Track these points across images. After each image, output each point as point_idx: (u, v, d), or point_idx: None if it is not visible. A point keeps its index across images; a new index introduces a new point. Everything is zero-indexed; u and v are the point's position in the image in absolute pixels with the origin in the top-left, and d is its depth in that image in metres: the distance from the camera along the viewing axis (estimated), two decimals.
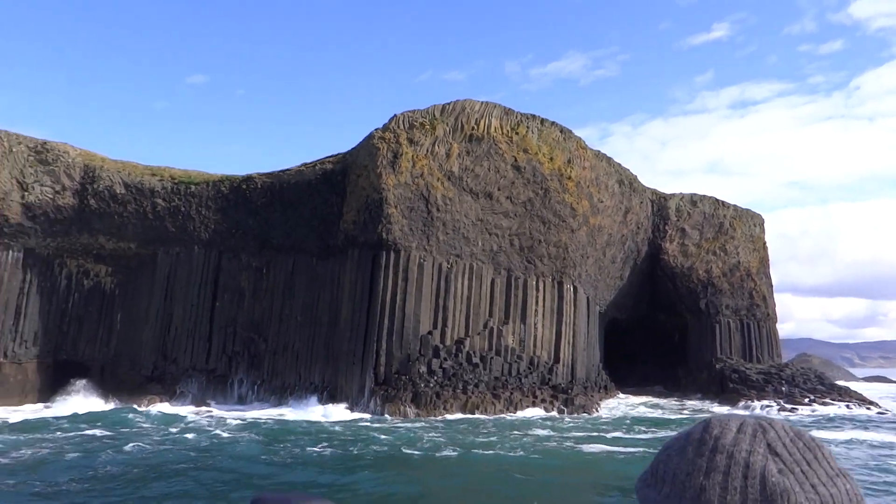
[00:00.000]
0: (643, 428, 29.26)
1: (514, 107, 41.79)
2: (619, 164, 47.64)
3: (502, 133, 40.31)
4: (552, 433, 26.47)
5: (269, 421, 30.33)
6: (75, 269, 46.92)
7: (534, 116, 41.95)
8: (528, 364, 38.89)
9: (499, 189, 39.66)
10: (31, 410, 38.08)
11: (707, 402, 45.26)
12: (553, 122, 42.61)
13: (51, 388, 45.15)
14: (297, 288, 41.69)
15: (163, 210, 44.19)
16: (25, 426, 27.47)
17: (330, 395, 36.97)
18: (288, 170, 43.52)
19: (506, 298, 39.27)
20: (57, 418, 31.06)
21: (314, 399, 37.38)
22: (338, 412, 33.87)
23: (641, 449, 22.65)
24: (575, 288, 42.09)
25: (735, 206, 55.32)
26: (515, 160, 40.18)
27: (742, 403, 43.48)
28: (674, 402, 45.08)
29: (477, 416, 32.81)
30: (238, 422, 29.54)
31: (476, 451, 20.82)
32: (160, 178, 44.93)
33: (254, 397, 40.85)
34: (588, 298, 45.18)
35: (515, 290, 39.50)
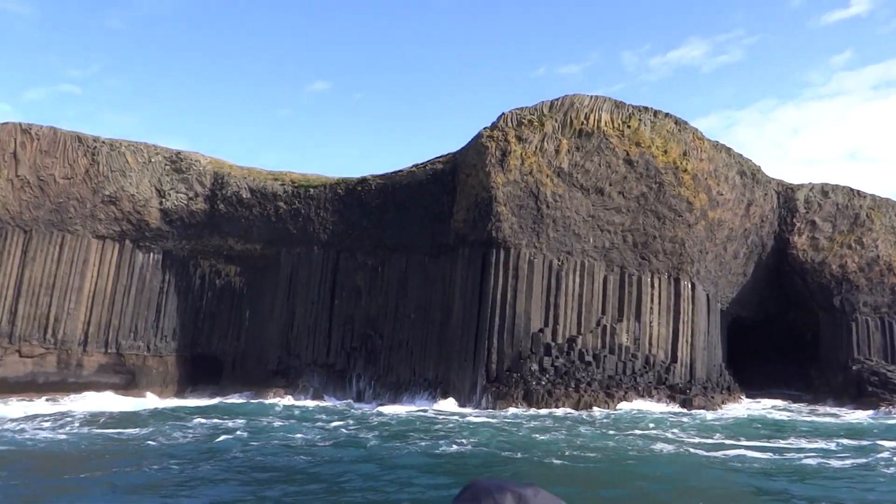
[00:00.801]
0: (766, 433, 27.83)
1: (632, 99, 40.92)
2: (741, 155, 45.36)
3: (613, 127, 39.43)
4: (667, 435, 25.71)
5: (383, 416, 31.25)
6: (208, 269, 50.27)
7: (646, 108, 40.74)
8: (644, 363, 37.90)
9: (610, 184, 38.86)
10: (173, 401, 41.10)
11: (842, 406, 42.31)
12: (667, 114, 41.21)
13: (188, 379, 48.68)
14: (411, 286, 42.68)
15: (284, 213, 46.50)
16: (167, 415, 29.80)
17: (443, 392, 37.62)
18: (400, 171, 44.61)
19: (619, 296, 38.45)
20: (195, 409, 33.47)
21: (428, 395, 38.21)
22: (450, 408, 34.41)
23: (765, 455, 21.59)
24: (693, 284, 40.56)
25: (873, 195, 51.26)
26: (627, 154, 39.20)
27: (883, 409, 40.34)
28: (803, 406, 42.49)
29: (587, 413, 32.29)
30: (353, 418, 30.65)
31: (588, 453, 20.56)
32: (282, 182, 47.29)
33: (370, 392, 42.21)
34: (708, 295, 43.39)
35: (629, 287, 38.59)
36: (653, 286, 39.04)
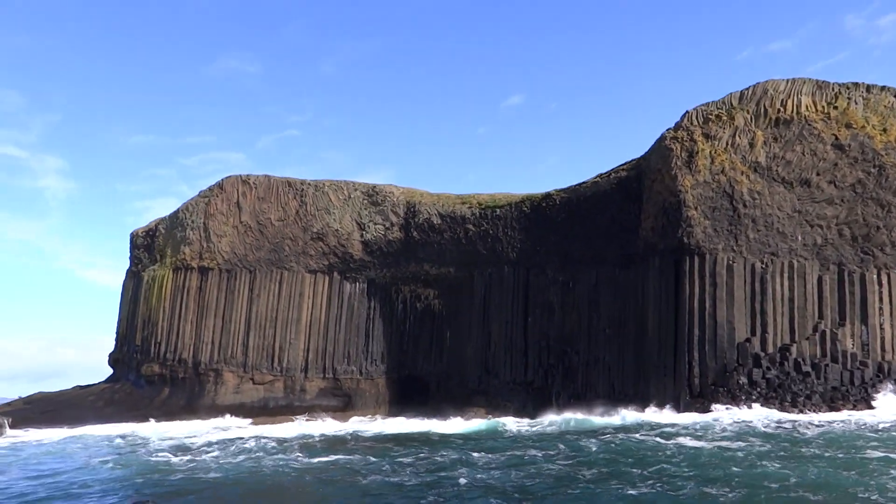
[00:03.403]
0: None
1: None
2: None
3: (816, 110, 35.59)
4: None
5: (578, 433, 30.49)
6: (408, 294, 52.81)
7: (856, 85, 36.29)
8: (877, 371, 33.45)
9: (818, 174, 35.03)
10: (425, 423, 40.54)
11: None
12: (884, 87, 36.41)
13: (398, 400, 51.29)
14: (603, 299, 41.52)
15: (473, 235, 47.58)
16: (418, 438, 31.35)
17: (644, 408, 35.99)
18: (584, 183, 43.78)
19: (838, 297, 34.38)
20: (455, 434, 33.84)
21: (629, 412, 36.72)
22: (659, 422, 32.62)
23: None
24: None
25: None
26: (836, 138, 35.15)
27: None
28: None
29: (798, 424, 28.88)
30: (563, 434, 30.25)
31: (815, 493, 18.12)
32: (469, 205, 48.50)
33: (571, 409, 41.47)
34: None
35: (850, 287, 34.36)
36: (880, 283, 34.42)
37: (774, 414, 30.92)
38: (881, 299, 34.25)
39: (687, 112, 37.16)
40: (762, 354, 33.26)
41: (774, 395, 32.03)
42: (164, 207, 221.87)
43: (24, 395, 55.20)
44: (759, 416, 31.10)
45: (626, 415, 36.56)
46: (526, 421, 39.40)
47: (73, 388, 55.42)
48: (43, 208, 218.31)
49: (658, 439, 28.25)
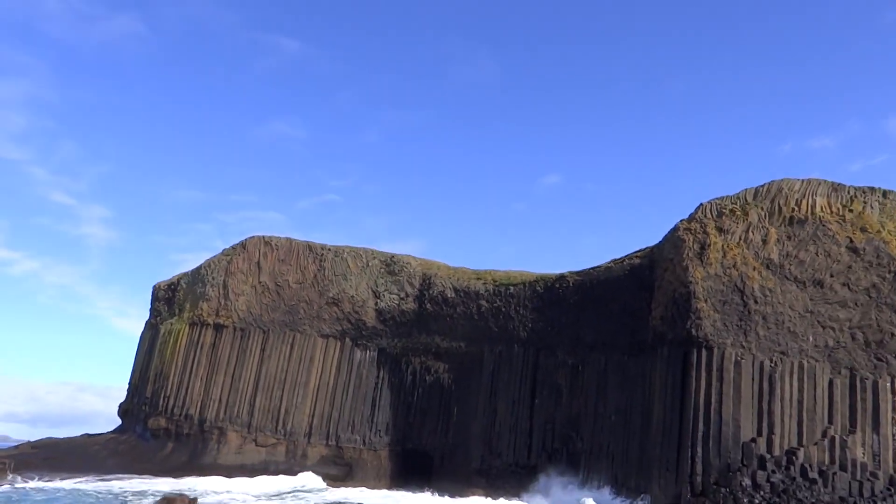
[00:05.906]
0: None
1: None
2: None
3: (831, 212, 35.61)
4: None
5: None
6: (418, 365, 52.61)
7: (872, 189, 36.36)
8: (888, 484, 32.12)
9: (832, 276, 34.74)
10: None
11: None
12: None
13: (399, 474, 50.45)
14: (611, 386, 41.02)
15: (486, 311, 47.69)
16: None
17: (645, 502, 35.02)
18: (598, 267, 43.95)
19: (849, 403, 33.46)
20: None
21: None
22: None
23: None
24: None
25: None
26: (851, 241, 34.98)
27: None
28: None
29: None
30: None
31: None
32: (484, 281, 48.79)
33: (573, 498, 40.41)
34: None
35: (862, 394, 33.47)
36: (893, 391, 33.42)
37: None
38: (894, 408, 33.25)
39: (701, 204, 37.43)
40: (768, 456, 32.30)
41: (778, 501, 30.94)
42: (198, 262, 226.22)
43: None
44: None
45: None
46: None
47: (82, 435, 55.64)
48: (83, 255, 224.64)
49: None
